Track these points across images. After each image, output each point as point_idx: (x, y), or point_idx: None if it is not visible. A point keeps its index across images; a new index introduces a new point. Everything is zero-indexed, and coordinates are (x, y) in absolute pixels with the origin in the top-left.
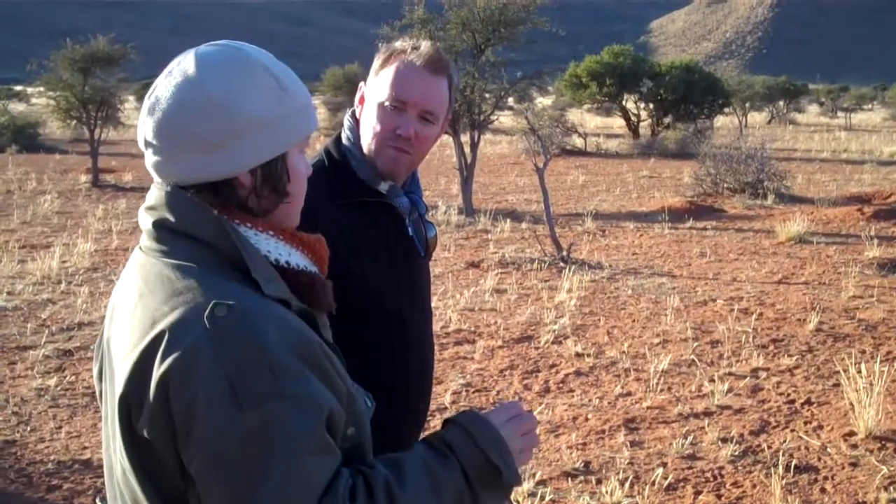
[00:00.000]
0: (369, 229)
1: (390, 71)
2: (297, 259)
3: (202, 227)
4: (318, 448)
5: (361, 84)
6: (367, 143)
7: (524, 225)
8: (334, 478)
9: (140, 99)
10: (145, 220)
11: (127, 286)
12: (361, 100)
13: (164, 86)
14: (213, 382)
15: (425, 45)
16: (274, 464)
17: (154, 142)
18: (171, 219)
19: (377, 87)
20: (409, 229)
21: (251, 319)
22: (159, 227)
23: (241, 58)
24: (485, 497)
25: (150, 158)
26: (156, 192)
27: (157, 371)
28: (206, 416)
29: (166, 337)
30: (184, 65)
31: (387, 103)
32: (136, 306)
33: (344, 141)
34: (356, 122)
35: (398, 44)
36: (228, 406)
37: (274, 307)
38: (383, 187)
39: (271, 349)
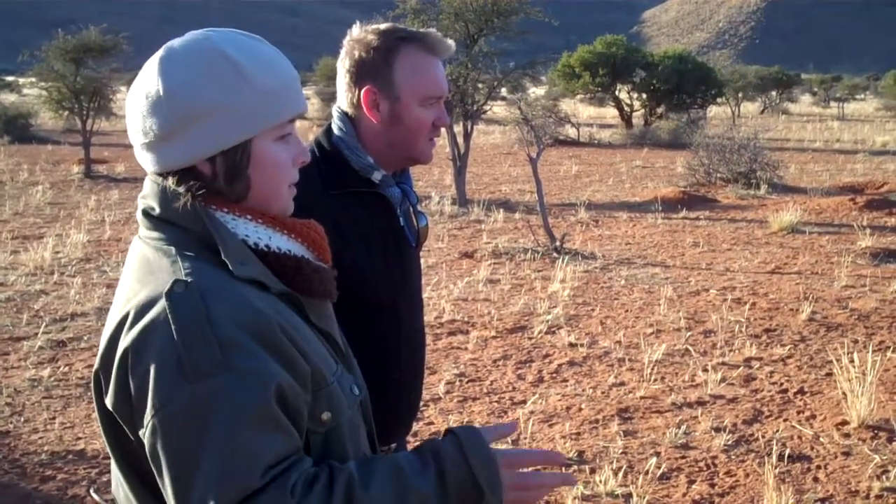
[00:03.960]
0: (361, 219)
1: (417, 65)
2: (279, 243)
3: (179, 213)
4: (265, 423)
5: (369, 87)
6: (406, 142)
7: (517, 215)
8: (291, 465)
9: None
10: (138, 209)
11: (123, 274)
12: (373, 103)
13: (134, 82)
14: (164, 355)
15: (434, 32)
16: (214, 435)
17: (130, 133)
18: (155, 206)
19: (407, 84)
20: (401, 219)
21: (205, 296)
22: (146, 214)
23: (200, 47)
24: None
25: (134, 150)
26: (146, 182)
27: (121, 346)
28: (155, 387)
29: (132, 314)
30: (151, 59)
31: (427, 101)
32: (121, 289)
33: (335, 131)
34: (347, 116)
35: (398, 29)
36: (175, 378)
37: (236, 286)
38: (376, 177)
39: (220, 324)
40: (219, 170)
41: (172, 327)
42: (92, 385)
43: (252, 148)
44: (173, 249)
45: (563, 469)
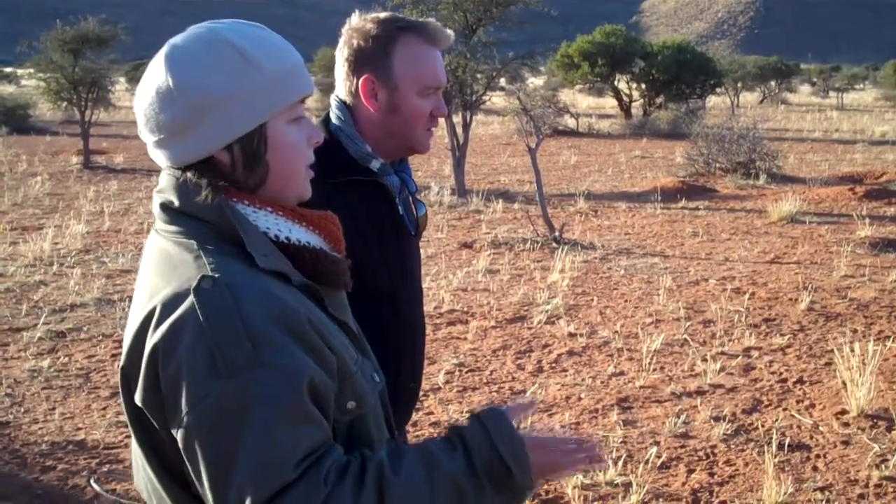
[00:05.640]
0: (360, 208)
1: (416, 55)
2: (299, 235)
3: (200, 206)
4: (297, 418)
5: (367, 76)
6: (403, 132)
7: (516, 205)
8: (324, 454)
9: (131, 80)
10: (155, 203)
11: (142, 268)
12: (371, 92)
13: (141, 80)
14: (195, 352)
15: (433, 23)
16: (249, 431)
17: (141, 131)
18: (174, 200)
19: (406, 74)
20: (400, 208)
21: (234, 291)
22: (165, 208)
23: (204, 38)
24: (493, 497)
25: (147, 148)
26: (162, 176)
27: (149, 343)
28: (188, 384)
29: (158, 310)
30: (156, 57)
31: (425, 91)
32: (142, 284)
33: (334, 120)
34: (345, 105)
35: (398, 19)
36: (208, 375)
37: (261, 280)
38: (374, 165)
39: (251, 320)
40: (237, 158)
41: (203, 324)
42: (119, 382)
43: (267, 131)
44: (195, 243)
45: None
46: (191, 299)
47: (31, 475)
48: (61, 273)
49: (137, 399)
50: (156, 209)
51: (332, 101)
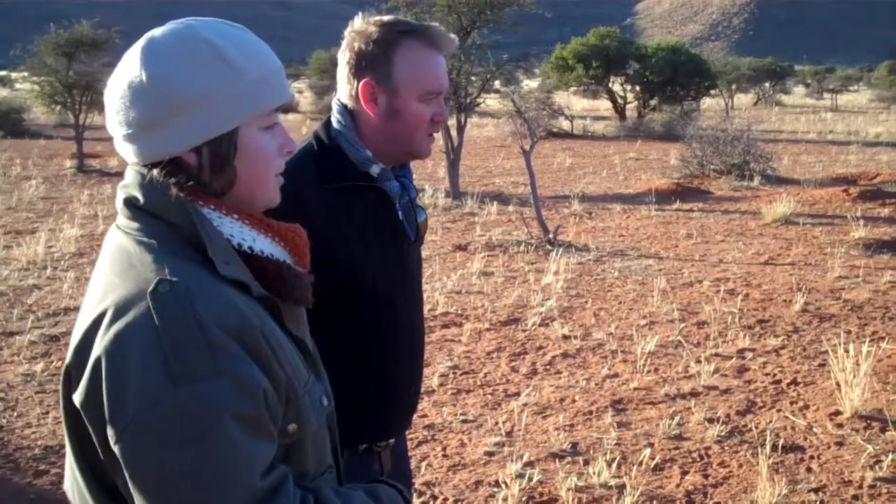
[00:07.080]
0: (359, 213)
1: (418, 60)
2: (262, 245)
3: (165, 206)
4: (255, 430)
5: (368, 80)
6: (403, 137)
7: (511, 208)
8: (286, 474)
9: None
10: (118, 198)
11: (99, 262)
12: (371, 96)
13: (114, 71)
14: (147, 356)
15: (436, 27)
16: (207, 442)
17: (109, 123)
18: (139, 197)
19: (407, 79)
20: (400, 213)
21: (192, 297)
22: (129, 204)
23: (184, 35)
24: None
25: (114, 141)
26: (128, 172)
27: (97, 343)
28: (137, 388)
29: (111, 310)
30: (132, 49)
31: (426, 96)
32: (97, 280)
33: (335, 124)
34: (346, 109)
35: (400, 22)
36: (162, 381)
37: (220, 288)
38: (374, 170)
39: (209, 327)
40: (204, 161)
41: (158, 328)
42: (61, 379)
43: (238, 137)
44: (155, 243)
45: None
46: (146, 302)
47: (24, 479)
48: (55, 277)
49: (77, 398)
50: (119, 204)
51: (334, 104)
